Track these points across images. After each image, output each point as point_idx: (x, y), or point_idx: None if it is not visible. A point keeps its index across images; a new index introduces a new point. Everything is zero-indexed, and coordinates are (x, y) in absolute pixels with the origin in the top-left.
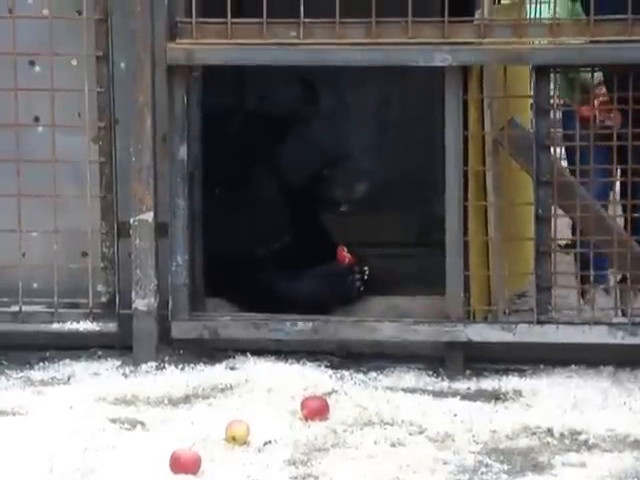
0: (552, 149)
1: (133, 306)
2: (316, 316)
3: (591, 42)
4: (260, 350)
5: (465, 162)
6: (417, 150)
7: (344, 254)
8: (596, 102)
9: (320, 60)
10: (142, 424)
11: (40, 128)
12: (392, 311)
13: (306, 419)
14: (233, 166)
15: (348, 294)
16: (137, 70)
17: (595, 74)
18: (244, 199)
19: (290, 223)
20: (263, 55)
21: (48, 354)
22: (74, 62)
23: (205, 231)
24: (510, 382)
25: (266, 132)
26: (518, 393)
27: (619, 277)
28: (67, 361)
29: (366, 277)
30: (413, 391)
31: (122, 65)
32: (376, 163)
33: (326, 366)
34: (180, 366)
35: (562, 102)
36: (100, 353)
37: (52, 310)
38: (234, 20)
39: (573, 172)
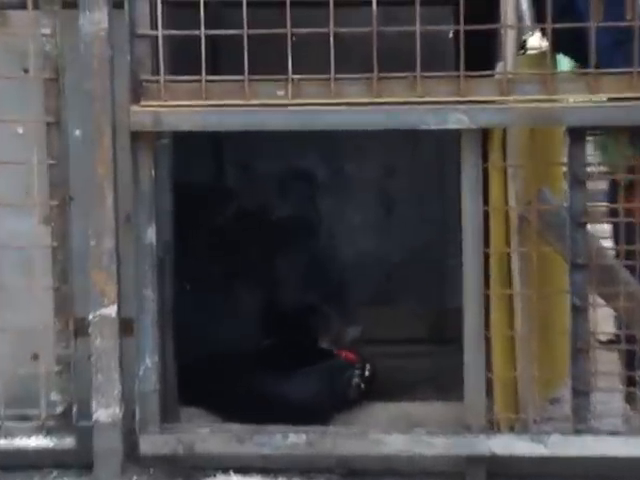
0: (589, 226)
1: (94, 417)
2: (311, 427)
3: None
4: (245, 468)
5: (486, 243)
6: (428, 229)
7: (347, 352)
8: None
9: (312, 123)
10: None
11: None
12: (402, 420)
13: None
14: (211, 256)
15: (346, 394)
16: (95, 138)
17: None
18: (223, 296)
19: (276, 324)
20: (245, 119)
21: None
22: (20, 130)
23: (178, 328)
24: None
25: (251, 227)
26: None
27: None
28: None
29: (367, 373)
30: None
31: (77, 132)
32: (380, 245)
33: None
34: None
35: (607, 170)
36: (55, 474)
37: None
38: (209, 78)
39: (617, 253)
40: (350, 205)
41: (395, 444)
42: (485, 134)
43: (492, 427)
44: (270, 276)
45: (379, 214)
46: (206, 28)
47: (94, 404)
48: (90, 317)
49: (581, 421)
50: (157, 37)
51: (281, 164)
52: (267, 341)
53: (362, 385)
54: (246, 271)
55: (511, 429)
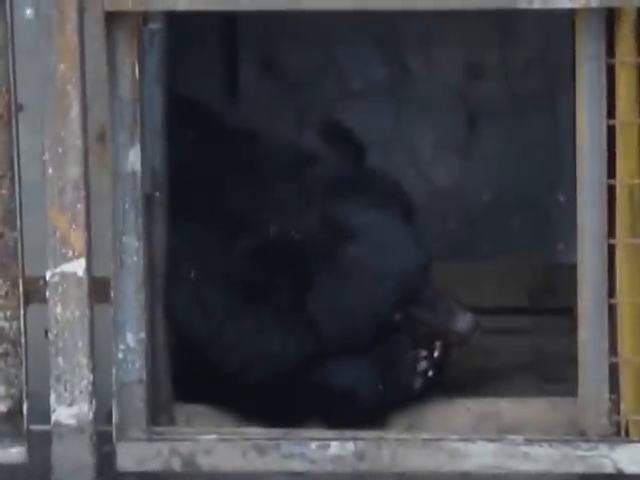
0: None
1: (52, 418)
2: (361, 432)
3: None
4: None
5: (610, 172)
6: (528, 155)
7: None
8: None
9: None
10: None
11: None
12: (489, 423)
13: None
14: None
15: (409, 383)
16: (54, 21)
17: None
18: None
19: None
20: None
21: None
22: None
23: (173, 291)
24: None
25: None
26: None
27: None
28: None
29: (437, 354)
30: None
31: (28, 12)
32: (459, 178)
33: None
34: None
35: None
36: None
37: None
38: None
39: None
40: (417, 121)
41: (480, 457)
42: (611, 16)
43: (618, 433)
44: (303, 222)
45: (457, 134)
46: None
47: (53, 400)
48: (47, 276)
49: None
50: None
51: (316, 63)
52: None
53: (430, 372)
54: (274, 213)
55: None
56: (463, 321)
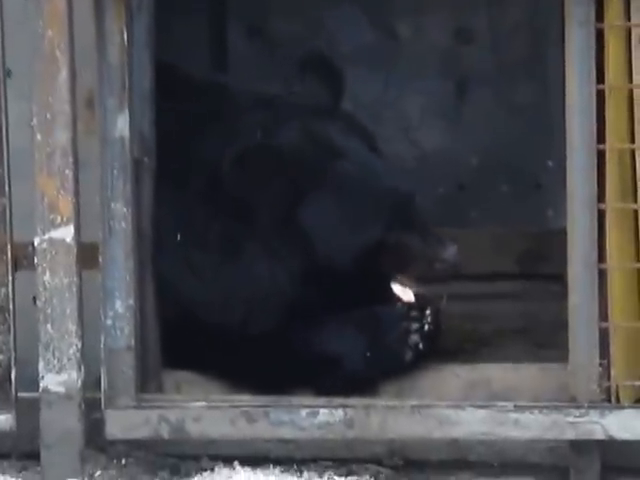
0: None
1: (41, 385)
2: (350, 399)
3: None
4: (257, 458)
5: (600, 136)
6: (517, 120)
7: (398, 289)
8: None
9: None
10: None
11: None
12: (478, 389)
13: None
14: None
15: (399, 353)
16: None
17: None
18: (229, 202)
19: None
20: None
21: None
22: None
23: (163, 258)
24: None
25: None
26: None
27: None
28: None
29: (428, 327)
30: None
31: None
32: (448, 143)
33: None
34: None
35: None
36: None
37: None
38: None
39: None
40: (406, 85)
41: (469, 424)
42: None
43: (608, 399)
44: (284, 136)
45: (447, 99)
46: None
47: (41, 366)
48: (36, 242)
49: None
50: None
51: (305, 27)
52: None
53: (421, 345)
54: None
55: (637, 402)
56: (451, 249)
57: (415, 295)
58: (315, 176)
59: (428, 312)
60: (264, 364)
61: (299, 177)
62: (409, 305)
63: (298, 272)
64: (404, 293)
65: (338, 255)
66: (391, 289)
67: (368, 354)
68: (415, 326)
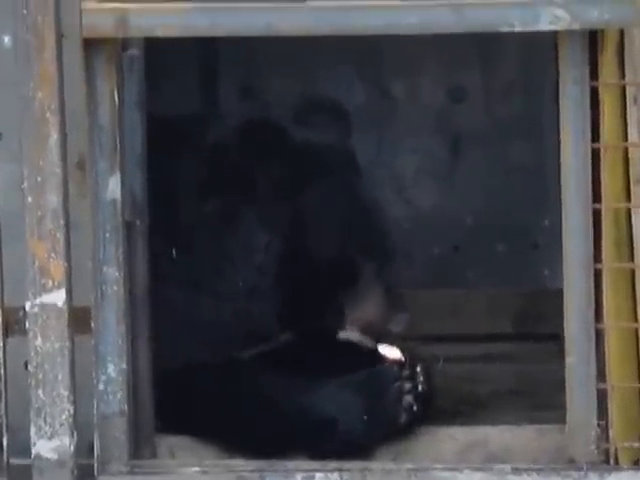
0: None
1: (33, 452)
2: (346, 462)
3: None
4: None
5: (596, 196)
6: (512, 179)
7: (388, 350)
8: None
9: (341, 25)
10: None
11: None
12: (475, 451)
13: None
14: (205, 214)
15: (393, 414)
16: (32, 47)
17: None
18: (222, 270)
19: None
20: (244, 20)
21: None
22: None
23: (155, 321)
24: None
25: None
26: None
27: None
28: None
29: (421, 387)
30: None
31: (6, 40)
32: (443, 202)
33: None
34: None
35: None
36: None
37: None
38: None
39: None
40: (400, 145)
41: None
42: (593, 38)
43: (607, 461)
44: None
45: (441, 158)
46: None
47: (33, 432)
48: (27, 307)
49: None
50: None
51: (297, 89)
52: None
53: (414, 405)
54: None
55: (635, 463)
56: (399, 321)
57: (405, 355)
58: (320, 166)
59: (418, 370)
60: (258, 427)
61: (304, 161)
62: (400, 364)
63: (293, 249)
64: (391, 352)
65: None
66: (377, 350)
67: (365, 417)
68: (408, 386)
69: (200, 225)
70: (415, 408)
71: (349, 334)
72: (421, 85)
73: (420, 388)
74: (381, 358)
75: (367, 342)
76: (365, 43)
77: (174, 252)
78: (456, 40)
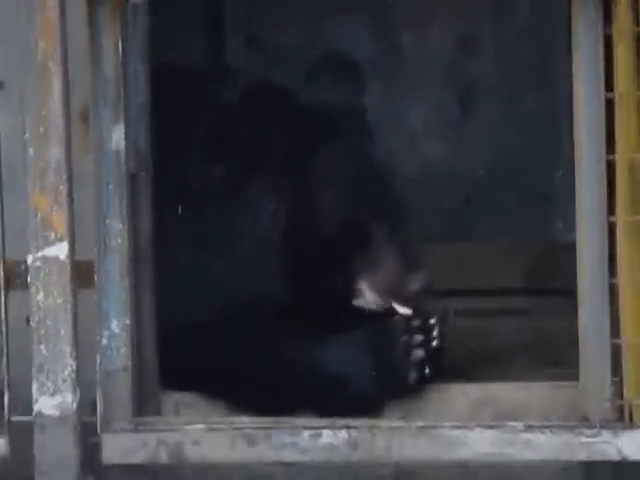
0: None
1: (35, 408)
2: (354, 420)
3: None
4: None
5: (610, 148)
6: (524, 130)
7: (400, 308)
8: None
9: None
10: None
11: None
12: (486, 408)
13: None
14: (212, 169)
15: (402, 369)
16: None
17: None
18: (231, 225)
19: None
20: None
21: None
22: None
23: (161, 276)
24: None
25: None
26: None
27: None
28: None
29: (435, 341)
30: None
31: None
32: (454, 155)
33: None
34: None
35: None
36: None
37: None
38: None
39: None
40: (410, 96)
41: (478, 445)
42: None
43: (621, 418)
44: (292, 210)
45: (452, 109)
46: None
47: (35, 389)
48: (29, 260)
49: None
50: None
51: (308, 40)
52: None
53: (427, 359)
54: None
55: None
56: (416, 283)
57: (418, 310)
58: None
59: (432, 322)
60: (265, 385)
61: (313, 121)
62: (410, 318)
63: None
64: (403, 309)
65: (335, 216)
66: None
67: (373, 373)
68: (419, 338)
69: (206, 181)
70: (426, 362)
71: (362, 297)
72: (431, 36)
73: (434, 342)
74: (391, 315)
75: (380, 303)
76: None
77: (179, 209)
78: None
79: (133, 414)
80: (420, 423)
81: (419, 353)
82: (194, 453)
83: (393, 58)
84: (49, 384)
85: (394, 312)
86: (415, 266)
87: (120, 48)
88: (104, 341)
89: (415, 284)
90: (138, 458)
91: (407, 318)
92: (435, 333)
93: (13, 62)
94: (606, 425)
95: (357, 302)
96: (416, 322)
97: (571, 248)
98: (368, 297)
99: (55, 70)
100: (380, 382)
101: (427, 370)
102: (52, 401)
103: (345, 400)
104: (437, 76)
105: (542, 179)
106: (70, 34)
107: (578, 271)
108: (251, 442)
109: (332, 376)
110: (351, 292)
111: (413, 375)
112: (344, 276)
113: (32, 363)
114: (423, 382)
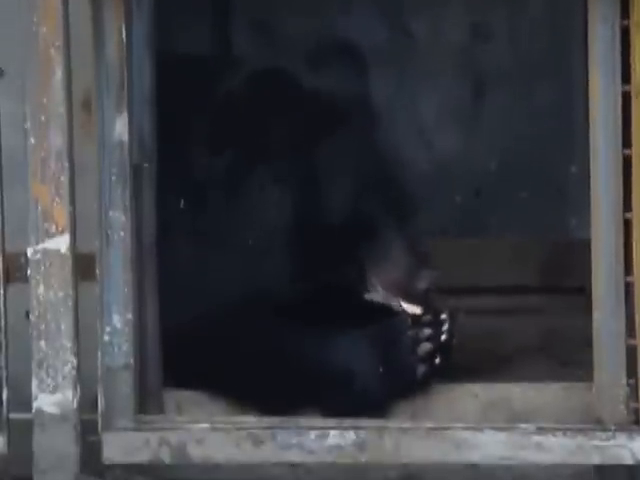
0: None
1: (34, 406)
2: (362, 420)
3: None
4: None
5: (626, 142)
6: (538, 123)
7: (408, 304)
8: None
9: None
10: None
11: None
12: (498, 410)
13: None
14: (218, 159)
15: (410, 363)
16: None
17: None
18: (236, 217)
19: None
20: None
21: None
22: None
23: (164, 270)
24: None
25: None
26: None
27: None
28: None
29: (444, 337)
30: None
31: None
32: (465, 146)
33: None
34: None
35: None
36: None
37: None
38: None
39: None
40: (420, 86)
41: (488, 447)
42: None
43: (636, 421)
44: (297, 200)
45: (464, 99)
46: None
47: (34, 386)
48: (29, 253)
49: None
50: None
51: (313, 27)
52: (306, 284)
53: (436, 357)
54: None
55: None
56: (423, 280)
57: (428, 306)
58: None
59: (442, 317)
60: (270, 381)
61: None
62: (416, 315)
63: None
64: (411, 306)
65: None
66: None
67: (380, 368)
68: (427, 332)
69: (212, 171)
70: (433, 356)
71: (370, 291)
72: (444, 23)
73: (443, 336)
74: (399, 311)
75: (388, 298)
76: None
77: (182, 202)
78: None
79: (135, 412)
80: (429, 424)
81: (426, 346)
82: (197, 453)
83: (404, 46)
84: (49, 381)
85: (402, 309)
86: (424, 263)
87: (124, 34)
88: (106, 337)
89: (423, 282)
90: (140, 457)
91: (414, 315)
92: (444, 328)
93: (14, 48)
94: (621, 428)
95: (369, 296)
96: (426, 317)
97: (586, 245)
98: (379, 291)
99: (57, 57)
100: (387, 377)
101: (436, 362)
102: (52, 398)
103: (352, 396)
104: (449, 66)
105: (556, 173)
106: (72, 19)
107: (593, 269)
108: (256, 442)
109: (339, 372)
110: (362, 286)
111: (421, 369)
112: (353, 270)
113: (32, 359)
114: (431, 377)
